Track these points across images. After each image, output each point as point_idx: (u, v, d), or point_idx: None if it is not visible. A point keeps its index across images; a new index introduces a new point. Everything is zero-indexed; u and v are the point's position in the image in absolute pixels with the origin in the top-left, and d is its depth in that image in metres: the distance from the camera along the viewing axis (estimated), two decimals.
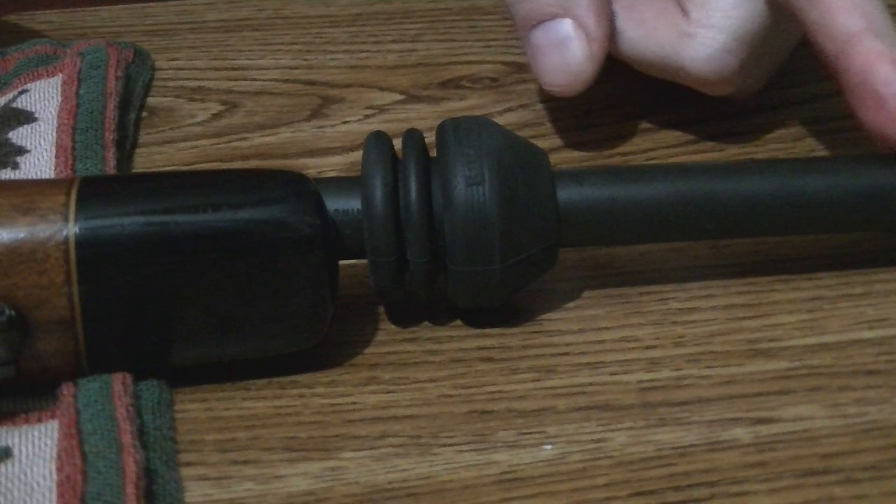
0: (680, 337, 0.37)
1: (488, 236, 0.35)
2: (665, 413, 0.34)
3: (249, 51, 0.50)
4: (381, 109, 0.46)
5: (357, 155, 0.40)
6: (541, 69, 0.42)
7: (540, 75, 0.42)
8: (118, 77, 0.45)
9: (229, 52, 0.50)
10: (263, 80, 0.48)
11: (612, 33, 0.42)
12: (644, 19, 0.42)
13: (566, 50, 0.41)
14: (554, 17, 0.41)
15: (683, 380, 0.35)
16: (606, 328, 0.37)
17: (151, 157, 0.44)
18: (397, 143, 0.36)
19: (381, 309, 0.38)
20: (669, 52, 0.42)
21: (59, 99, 0.44)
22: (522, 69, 0.48)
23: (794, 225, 0.37)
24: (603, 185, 0.36)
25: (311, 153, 0.44)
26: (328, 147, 0.45)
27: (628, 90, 0.46)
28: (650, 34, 0.42)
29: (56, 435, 0.32)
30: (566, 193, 0.36)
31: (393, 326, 0.37)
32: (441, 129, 0.36)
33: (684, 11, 0.41)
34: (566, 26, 0.41)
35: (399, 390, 0.35)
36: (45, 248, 0.32)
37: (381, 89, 0.47)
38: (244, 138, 0.45)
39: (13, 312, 0.32)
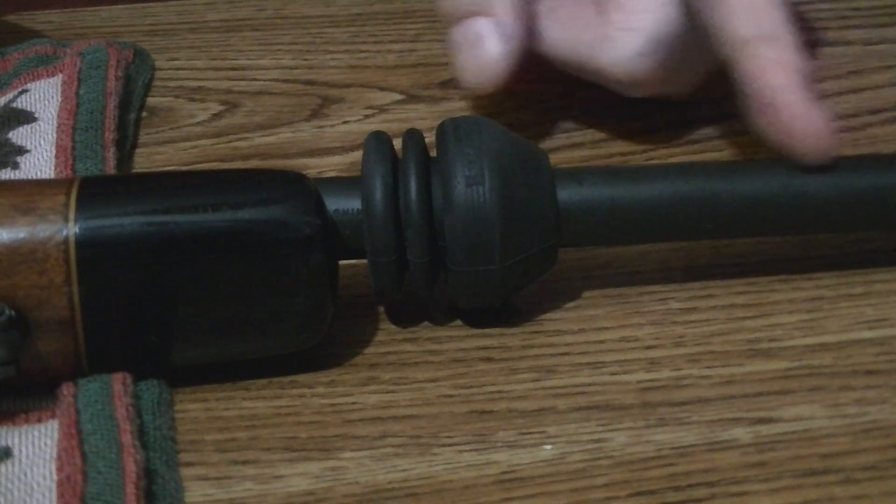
0: (680, 337, 0.37)
1: (488, 236, 0.35)
2: (665, 413, 0.34)
3: (249, 51, 0.50)
4: (381, 109, 0.46)
5: (357, 155, 0.40)
6: (458, 65, 0.42)
7: (458, 71, 0.42)
8: (118, 77, 0.45)
9: (229, 52, 0.50)
10: (263, 80, 0.48)
11: (534, 33, 0.42)
12: (566, 21, 0.42)
13: (481, 48, 0.41)
14: (473, 15, 0.42)
15: (683, 380, 0.35)
16: (606, 328, 0.37)
17: (151, 157, 0.44)
18: (397, 143, 0.36)
19: (381, 309, 0.38)
20: (588, 53, 0.42)
21: (59, 99, 0.44)
22: None
23: (794, 225, 0.37)
24: (603, 185, 0.36)
25: (311, 153, 0.44)
26: (328, 147, 0.45)
27: None
28: (571, 36, 0.42)
29: (56, 435, 0.32)
30: (566, 193, 0.36)
31: (393, 326, 0.37)
32: (441, 129, 0.36)
33: (603, 14, 0.42)
34: (483, 25, 0.41)
35: (399, 390, 0.35)
36: (45, 248, 0.32)
37: (381, 89, 0.47)
38: (244, 138, 0.45)
39: (13, 312, 0.32)
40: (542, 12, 0.43)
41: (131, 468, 0.31)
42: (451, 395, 0.35)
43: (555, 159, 0.38)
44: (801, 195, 0.36)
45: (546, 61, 0.43)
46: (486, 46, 0.41)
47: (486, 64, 0.41)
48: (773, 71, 0.37)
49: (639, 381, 0.35)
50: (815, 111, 0.36)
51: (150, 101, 0.47)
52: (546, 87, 0.46)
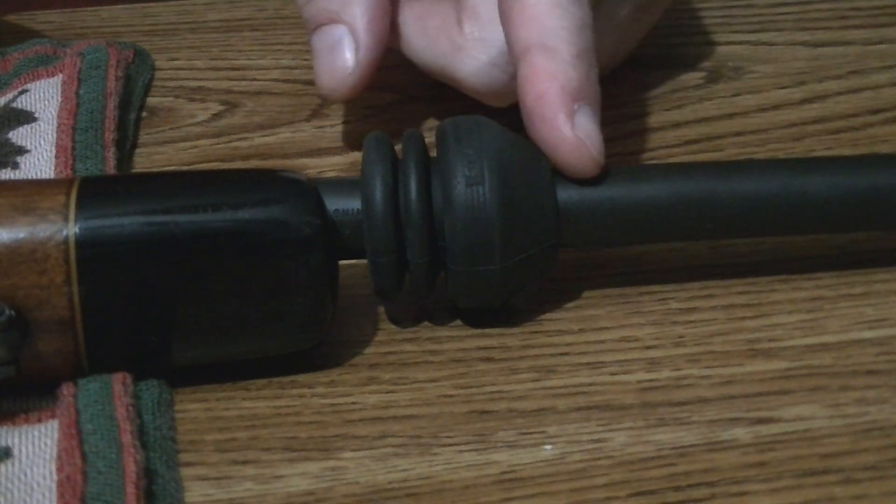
0: (680, 337, 0.37)
1: (488, 236, 0.35)
2: (665, 413, 0.34)
3: (249, 51, 0.50)
4: (381, 109, 0.46)
5: (357, 155, 0.40)
6: (315, 71, 0.43)
7: (315, 77, 0.43)
8: (118, 77, 0.45)
9: (229, 52, 0.50)
10: (263, 80, 0.48)
11: (397, 40, 0.43)
12: (427, 29, 0.43)
13: (335, 55, 0.42)
14: (330, 22, 0.42)
15: (683, 380, 0.35)
16: (606, 328, 0.37)
17: (151, 157, 0.44)
18: (397, 143, 0.36)
19: (381, 309, 0.38)
20: (446, 63, 0.42)
21: (59, 99, 0.44)
22: None
23: (794, 225, 0.37)
24: (603, 185, 0.36)
25: (311, 153, 0.44)
26: (328, 147, 0.45)
27: (628, 90, 0.46)
28: (431, 44, 0.43)
29: (56, 435, 0.32)
30: (566, 193, 0.36)
31: (393, 326, 0.37)
32: (441, 129, 0.36)
33: (460, 24, 0.42)
34: (338, 32, 0.42)
35: (399, 390, 0.35)
36: (45, 248, 0.32)
37: (381, 89, 0.47)
38: (244, 138, 0.45)
39: (13, 312, 0.32)
40: (406, 19, 0.43)
41: (131, 468, 0.31)
42: (451, 395, 0.35)
43: None
44: (801, 195, 0.36)
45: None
46: (340, 54, 0.42)
47: (339, 72, 0.42)
48: (540, 80, 0.36)
49: (639, 381, 0.35)
50: (574, 125, 0.36)
51: (150, 101, 0.47)
52: None
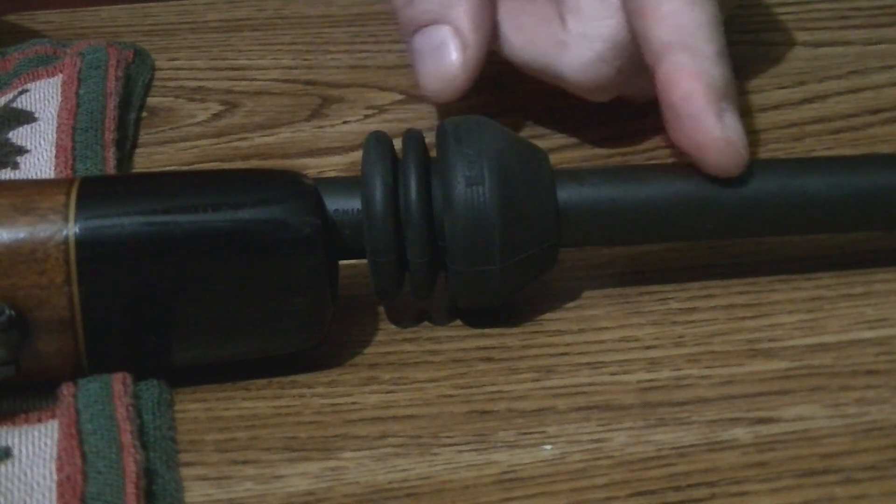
0: (680, 337, 0.37)
1: (488, 236, 0.35)
2: (665, 413, 0.34)
3: (249, 51, 0.50)
4: (381, 109, 0.46)
5: (357, 155, 0.40)
6: (419, 73, 0.42)
7: (418, 79, 0.42)
8: (118, 77, 0.45)
9: (229, 52, 0.50)
10: (263, 80, 0.48)
11: (495, 39, 0.42)
12: (525, 27, 0.42)
13: (441, 56, 0.41)
14: (433, 23, 0.42)
15: (683, 380, 0.35)
16: (606, 328, 0.37)
17: (151, 157, 0.44)
18: (397, 143, 0.36)
19: (381, 309, 0.38)
20: (548, 59, 0.42)
21: (59, 99, 0.44)
22: None
23: (794, 225, 0.37)
24: (603, 185, 0.36)
25: (311, 153, 0.44)
26: (328, 147, 0.45)
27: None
28: (531, 41, 0.42)
29: (56, 435, 0.32)
30: (566, 193, 0.36)
31: (393, 326, 0.37)
32: (441, 129, 0.36)
33: (562, 20, 0.41)
34: (443, 32, 0.41)
35: (399, 390, 0.35)
36: (45, 248, 0.32)
37: (381, 89, 0.47)
38: (244, 138, 0.45)
39: (13, 312, 0.32)
40: (503, 17, 0.43)
41: (131, 468, 0.31)
42: (451, 395, 0.35)
43: (555, 159, 0.38)
44: (801, 195, 0.36)
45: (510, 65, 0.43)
46: (446, 55, 0.41)
47: (447, 73, 0.41)
48: (685, 80, 0.36)
49: (639, 381, 0.35)
50: (723, 124, 0.36)
51: (150, 101, 0.47)
52: (545, 87, 0.46)
